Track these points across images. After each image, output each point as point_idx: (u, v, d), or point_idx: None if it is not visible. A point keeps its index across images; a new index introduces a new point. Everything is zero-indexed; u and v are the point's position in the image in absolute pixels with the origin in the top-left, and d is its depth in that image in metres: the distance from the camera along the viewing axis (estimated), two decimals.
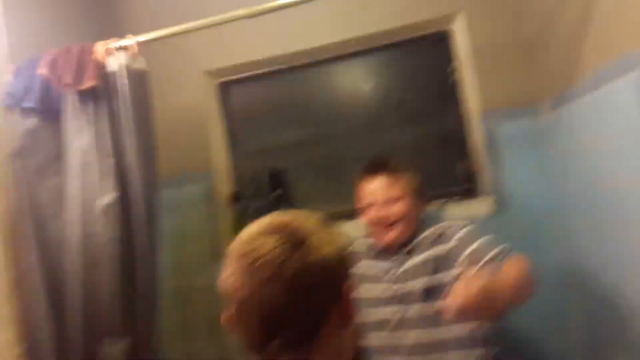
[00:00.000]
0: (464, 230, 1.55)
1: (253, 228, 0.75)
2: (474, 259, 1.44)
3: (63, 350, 1.41)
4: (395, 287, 1.57)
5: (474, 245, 1.48)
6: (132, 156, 1.50)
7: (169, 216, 2.08)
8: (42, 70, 1.48)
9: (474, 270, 1.28)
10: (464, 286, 1.13)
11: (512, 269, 1.32)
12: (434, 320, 1.49)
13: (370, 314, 1.60)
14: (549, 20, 1.77)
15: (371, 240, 1.68)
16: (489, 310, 1.14)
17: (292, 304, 0.70)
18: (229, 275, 0.73)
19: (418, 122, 2.21)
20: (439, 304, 1.32)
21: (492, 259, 1.42)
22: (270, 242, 0.71)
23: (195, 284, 2.17)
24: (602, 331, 1.71)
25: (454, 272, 1.47)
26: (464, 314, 1.12)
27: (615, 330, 1.59)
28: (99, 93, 1.50)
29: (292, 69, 2.29)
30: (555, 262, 1.94)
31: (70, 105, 1.50)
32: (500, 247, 1.46)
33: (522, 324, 1.96)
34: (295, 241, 0.71)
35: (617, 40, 1.30)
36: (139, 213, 1.48)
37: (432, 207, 2.06)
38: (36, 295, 1.42)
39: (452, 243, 1.53)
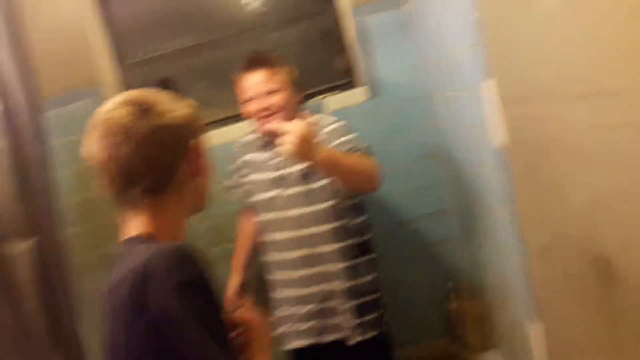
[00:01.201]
0: (333, 125, 1.75)
1: (108, 103, 0.91)
2: (336, 147, 1.66)
3: None
4: (277, 172, 1.79)
5: (341, 139, 1.69)
6: (9, 69, 1.56)
7: (62, 135, 2.16)
8: None
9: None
10: (294, 126, 1.41)
11: (357, 158, 1.61)
12: (310, 198, 1.75)
13: (259, 196, 1.84)
14: None
15: (256, 133, 1.86)
16: (314, 157, 1.45)
17: (145, 159, 0.87)
18: (90, 144, 0.89)
19: (297, 22, 2.35)
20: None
21: (351, 149, 1.65)
22: (122, 112, 0.87)
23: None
24: (466, 192, 2.03)
25: None
26: (295, 150, 1.40)
27: (477, 190, 1.90)
28: None
29: None
30: (423, 138, 2.26)
31: None
32: (362, 145, 1.68)
33: (397, 195, 2.29)
34: (143, 109, 0.88)
35: None
36: (24, 123, 1.56)
37: (315, 100, 2.27)
38: None
39: (322, 136, 1.71)
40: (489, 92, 1.39)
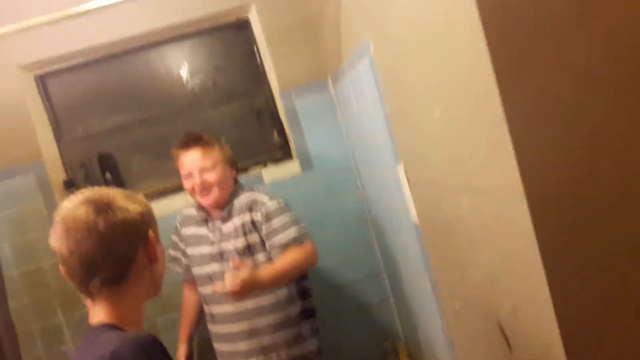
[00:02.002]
0: (269, 205, 1.86)
1: (69, 201, 0.99)
2: (271, 233, 1.82)
3: None
4: (216, 247, 1.88)
5: (275, 222, 1.82)
6: None
7: (5, 207, 2.19)
8: None
9: (239, 263, 1.66)
10: (230, 279, 1.58)
11: (291, 257, 1.77)
12: None
13: (199, 269, 1.92)
14: (321, 7, 2.14)
15: (195, 208, 1.96)
16: (259, 289, 1.67)
17: (104, 252, 0.95)
18: (54, 239, 0.98)
19: (233, 100, 2.51)
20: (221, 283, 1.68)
21: (284, 243, 1.80)
22: (83, 209, 0.96)
23: (43, 266, 2.31)
24: (394, 258, 2.18)
25: (262, 235, 1.85)
26: (236, 296, 1.61)
27: (401, 258, 2.06)
28: None
29: (107, 58, 2.44)
30: (353, 206, 2.43)
31: None
32: (295, 230, 1.82)
33: (332, 260, 2.42)
34: (102, 207, 0.97)
35: (357, 27, 1.69)
36: None
37: (253, 173, 2.41)
38: None
39: (259, 216, 1.84)
40: (401, 173, 1.56)
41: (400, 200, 1.68)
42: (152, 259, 1.04)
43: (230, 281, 1.58)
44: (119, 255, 0.98)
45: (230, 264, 1.67)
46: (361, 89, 1.80)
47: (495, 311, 1.16)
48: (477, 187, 1.04)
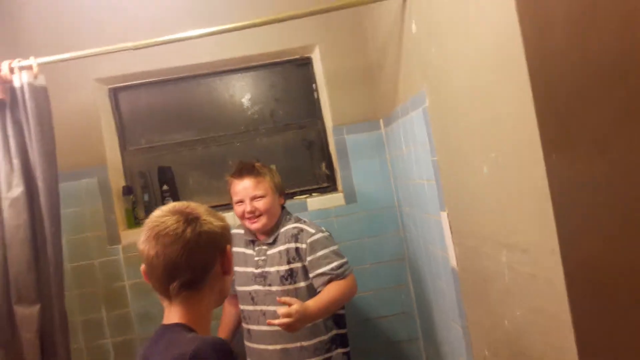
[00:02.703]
0: (316, 236, 1.97)
1: (160, 211, 1.13)
2: (315, 263, 1.93)
3: None
4: (260, 269, 2.00)
5: (319, 253, 1.93)
6: (34, 157, 1.78)
7: (69, 206, 2.37)
8: None
9: (288, 300, 1.76)
10: (284, 313, 1.70)
11: (336, 290, 1.87)
12: (289, 296, 1.93)
13: (242, 288, 2.04)
14: (380, 56, 2.29)
15: (242, 230, 2.09)
16: (309, 321, 1.78)
17: (187, 258, 1.07)
18: (143, 242, 1.10)
19: (288, 130, 2.66)
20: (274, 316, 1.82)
21: (327, 273, 1.90)
22: (173, 219, 1.09)
23: (94, 263, 2.47)
24: (427, 298, 2.26)
25: (305, 263, 1.96)
26: (290, 329, 1.72)
27: (435, 299, 2.14)
28: (6, 105, 1.77)
29: (176, 80, 2.64)
30: (391, 244, 2.51)
31: None
32: (338, 262, 1.92)
33: (366, 293, 2.50)
34: (190, 218, 1.09)
35: (414, 80, 1.81)
36: (43, 204, 1.77)
37: (299, 200, 2.53)
38: None
39: (304, 245, 1.95)
40: (445, 220, 1.65)
41: (440, 244, 1.76)
42: (226, 270, 1.16)
43: (284, 314, 1.69)
44: (199, 263, 1.10)
45: (278, 300, 1.78)
46: (413, 135, 1.91)
47: None
48: (516, 244, 1.12)
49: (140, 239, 1.11)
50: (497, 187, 1.19)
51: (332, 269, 1.90)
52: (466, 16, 1.23)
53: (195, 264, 1.09)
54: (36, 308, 1.74)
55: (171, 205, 1.14)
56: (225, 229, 1.16)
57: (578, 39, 0.79)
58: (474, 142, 1.30)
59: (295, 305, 1.70)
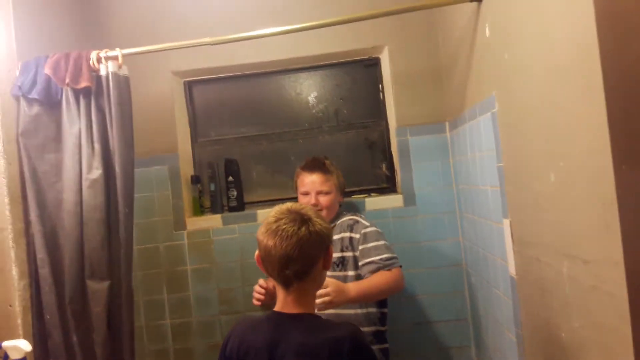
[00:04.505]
0: (368, 229, 2.09)
1: (280, 208, 1.32)
2: (366, 252, 2.01)
3: (58, 286, 1.85)
4: None
5: (371, 244, 2.03)
6: (114, 143, 1.90)
7: (140, 191, 2.51)
8: (47, 70, 1.87)
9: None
10: (322, 292, 1.73)
11: (380, 279, 1.93)
12: (342, 281, 2.00)
13: None
14: (451, 58, 2.27)
15: None
16: (347, 300, 1.80)
17: (299, 251, 1.24)
18: (262, 234, 1.29)
19: (351, 129, 2.69)
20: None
21: (375, 262, 1.97)
22: (291, 217, 1.28)
23: (159, 247, 2.61)
24: (483, 306, 2.23)
25: (356, 253, 2.06)
26: (326, 303, 1.74)
27: (490, 307, 2.12)
28: (91, 92, 1.91)
29: (247, 76, 2.73)
30: (449, 246, 2.50)
31: (67, 100, 1.90)
32: (388, 254, 1.99)
33: (421, 297, 2.50)
34: (305, 219, 1.28)
35: (485, 84, 1.79)
36: (119, 187, 1.89)
37: (357, 199, 2.56)
38: (38, 242, 1.85)
39: (358, 235, 2.08)
40: (506, 227, 1.63)
41: (500, 252, 1.74)
42: (326, 266, 1.35)
43: (321, 293, 1.72)
44: (309, 256, 1.28)
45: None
46: (479, 139, 1.89)
47: None
48: (578, 255, 1.10)
49: (261, 230, 1.31)
50: (563, 196, 1.17)
51: (380, 259, 1.97)
52: (542, 22, 1.21)
53: (304, 257, 1.27)
54: (106, 284, 1.87)
55: (289, 204, 1.35)
56: (330, 230, 1.35)
57: None
58: (542, 149, 1.28)
59: (330, 285, 1.75)
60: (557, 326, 1.28)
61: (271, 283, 2.09)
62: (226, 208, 2.67)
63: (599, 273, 1.01)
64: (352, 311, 2.03)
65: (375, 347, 2.04)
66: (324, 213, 2.09)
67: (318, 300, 1.76)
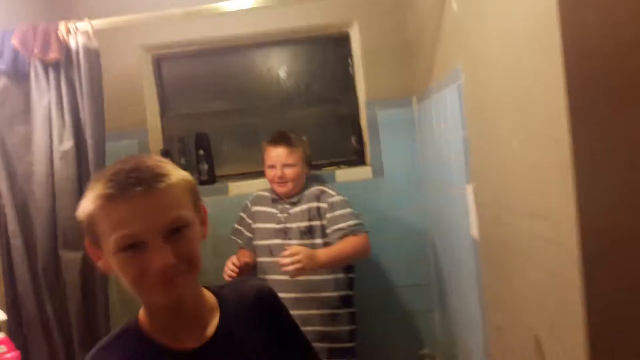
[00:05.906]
0: (335, 198, 2.18)
1: None
2: (333, 220, 2.11)
3: (31, 257, 1.87)
4: (282, 225, 2.17)
5: (338, 212, 2.12)
6: (85, 115, 1.90)
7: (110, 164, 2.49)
8: (14, 41, 1.85)
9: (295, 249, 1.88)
10: (292, 251, 1.84)
11: (348, 244, 2.03)
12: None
13: (261, 242, 2.23)
14: (419, 33, 2.33)
15: (270, 191, 2.29)
16: (316, 266, 1.90)
17: None
18: None
19: (321, 103, 2.75)
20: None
21: (343, 229, 2.07)
22: None
23: None
24: (446, 270, 2.34)
25: (324, 222, 2.14)
26: (296, 270, 1.82)
27: (454, 270, 2.22)
28: (60, 64, 1.90)
29: (217, 50, 2.74)
30: (414, 217, 2.60)
31: (36, 72, 1.88)
32: (355, 221, 2.09)
33: (386, 263, 2.60)
34: None
35: (451, 58, 1.86)
36: (90, 159, 1.90)
37: (327, 171, 2.62)
38: (9, 214, 1.85)
39: (325, 204, 2.16)
40: (469, 193, 1.72)
41: (464, 216, 1.83)
42: None
43: (293, 251, 1.82)
44: None
45: (286, 252, 1.89)
46: (445, 111, 1.97)
47: (534, 327, 1.30)
48: (538, 213, 1.19)
49: None
50: (525, 161, 1.25)
51: (348, 226, 2.07)
52: None
53: None
54: (80, 253, 1.88)
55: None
56: None
57: (610, 16, 0.84)
58: (505, 118, 1.36)
59: (301, 252, 1.83)
60: (517, 281, 1.37)
61: (243, 260, 2.16)
62: (197, 182, 2.68)
63: (554, 227, 1.10)
64: (321, 277, 2.11)
65: (343, 311, 2.14)
66: (290, 185, 2.17)
67: (290, 267, 1.83)
